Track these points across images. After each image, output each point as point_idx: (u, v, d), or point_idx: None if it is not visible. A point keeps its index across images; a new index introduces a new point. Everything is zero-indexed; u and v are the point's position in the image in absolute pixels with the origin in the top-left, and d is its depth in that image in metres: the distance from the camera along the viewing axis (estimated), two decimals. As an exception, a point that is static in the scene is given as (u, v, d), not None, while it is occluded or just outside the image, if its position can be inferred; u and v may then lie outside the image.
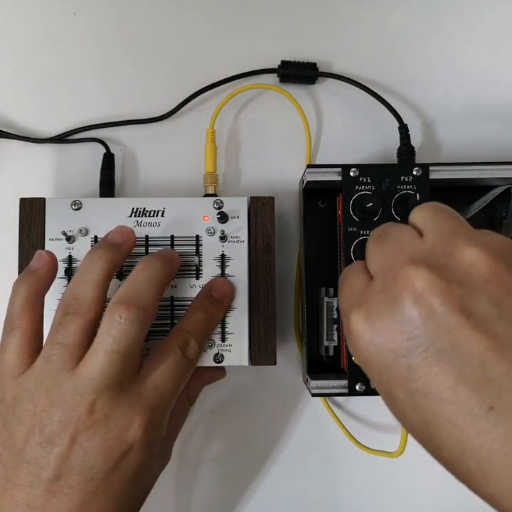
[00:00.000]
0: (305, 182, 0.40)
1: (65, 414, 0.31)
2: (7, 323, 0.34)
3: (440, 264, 0.25)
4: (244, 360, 0.39)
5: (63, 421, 0.31)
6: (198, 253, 0.39)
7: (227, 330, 0.39)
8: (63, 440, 0.31)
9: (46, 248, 0.39)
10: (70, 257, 0.39)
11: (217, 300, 0.38)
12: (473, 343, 0.23)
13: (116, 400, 0.32)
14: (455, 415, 0.23)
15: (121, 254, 0.36)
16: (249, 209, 0.40)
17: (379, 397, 0.38)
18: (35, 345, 0.34)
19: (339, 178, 0.39)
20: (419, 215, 0.29)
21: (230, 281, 0.39)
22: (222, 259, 0.39)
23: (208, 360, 0.38)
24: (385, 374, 0.26)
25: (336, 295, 0.40)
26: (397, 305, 0.25)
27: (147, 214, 0.39)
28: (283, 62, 0.46)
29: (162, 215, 0.39)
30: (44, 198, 0.39)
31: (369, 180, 0.39)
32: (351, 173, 0.39)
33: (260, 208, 0.40)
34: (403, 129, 0.43)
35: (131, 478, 0.32)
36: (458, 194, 0.40)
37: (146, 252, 0.39)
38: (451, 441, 0.23)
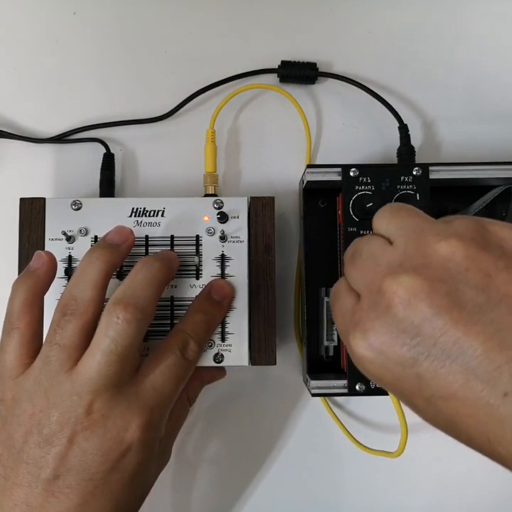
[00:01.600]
0: (305, 182, 0.40)
1: (63, 415, 0.31)
2: (6, 324, 0.34)
3: (417, 265, 0.25)
4: (244, 360, 0.39)
5: (61, 421, 0.31)
6: (198, 253, 0.39)
7: (227, 330, 0.39)
8: (61, 440, 0.31)
9: (46, 248, 0.39)
10: (69, 257, 0.39)
11: (217, 302, 0.38)
12: (472, 336, 0.23)
13: (115, 400, 0.32)
14: (474, 410, 0.23)
15: (120, 255, 0.35)
16: (249, 209, 0.40)
17: (379, 397, 0.38)
18: (34, 346, 0.34)
19: (339, 178, 0.39)
20: (380, 221, 0.29)
21: (230, 283, 0.39)
22: (222, 259, 0.39)
23: (207, 360, 0.38)
24: (397, 386, 0.26)
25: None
26: (390, 319, 0.25)
27: (147, 214, 0.39)
28: (283, 62, 0.46)
29: (162, 215, 0.39)
30: (44, 198, 0.39)
31: (369, 180, 0.39)
32: (351, 173, 0.39)
33: (260, 208, 0.40)
34: (403, 129, 0.43)
35: (129, 479, 0.32)
36: (458, 194, 0.41)
37: (146, 252, 0.39)
38: (477, 434, 0.24)
